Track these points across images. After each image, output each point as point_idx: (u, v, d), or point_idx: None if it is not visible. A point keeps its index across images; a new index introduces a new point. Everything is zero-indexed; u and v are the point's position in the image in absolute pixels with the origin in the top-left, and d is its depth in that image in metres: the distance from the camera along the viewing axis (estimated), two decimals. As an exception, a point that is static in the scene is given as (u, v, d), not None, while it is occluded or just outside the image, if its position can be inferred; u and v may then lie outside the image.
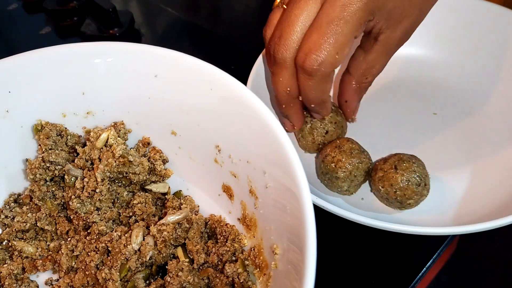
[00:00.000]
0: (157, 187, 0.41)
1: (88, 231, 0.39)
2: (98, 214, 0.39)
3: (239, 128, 0.36)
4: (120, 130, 0.42)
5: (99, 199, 0.38)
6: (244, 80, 0.41)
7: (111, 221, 0.40)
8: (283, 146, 0.32)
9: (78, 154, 0.40)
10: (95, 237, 0.38)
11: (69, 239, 0.40)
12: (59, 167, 0.40)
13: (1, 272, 0.38)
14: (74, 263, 0.38)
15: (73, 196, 0.38)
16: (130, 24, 0.65)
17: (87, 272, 0.37)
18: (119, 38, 0.63)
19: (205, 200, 0.42)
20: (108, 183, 0.39)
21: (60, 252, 0.39)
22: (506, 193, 0.43)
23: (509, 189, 0.43)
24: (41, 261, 0.39)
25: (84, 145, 0.41)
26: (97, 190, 0.38)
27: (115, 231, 0.38)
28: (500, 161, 0.46)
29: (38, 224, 0.40)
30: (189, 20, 0.69)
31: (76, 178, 0.39)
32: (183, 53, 0.38)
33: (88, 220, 0.39)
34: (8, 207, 0.41)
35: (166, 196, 0.42)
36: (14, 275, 0.38)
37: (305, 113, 0.46)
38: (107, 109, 0.42)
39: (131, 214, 0.40)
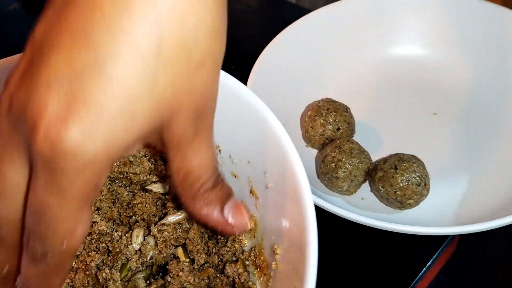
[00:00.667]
0: (157, 187, 0.41)
1: (89, 231, 0.39)
2: (99, 214, 0.39)
3: (239, 128, 0.36)
4: (120, 130, 0.41)
5: (99, 199, 0.38)
6: (244, 80, 0.41)
7: (112, 221, 0.40)
8: (284, 146, 0.31)
9: (78, 154, 0.40)
10: (96, 237, 0.38)
11: (69, 239, 0.40)
12: (60, 167, 0.40)
13: (1, 272, 0.38)
14: (74, 263, 0.38)
15: (73, 196, 0.38)
16: (130, 24, 0.65)
17: (87, 272, 0.37)
18: (119, 38, 0.63)
19: (205, 200, 0.42)
20: (109, 183, 0.39)
21: (60, 252, 0.39)
22: (506, 193, 0.43)
23: (509, 189, 0.43)
24: (41, 261, 0.39)
25: (85, 145, 0.41)
26: (98, 190, 0.38)
27: (116, 231, 0.38)
28: (500, 161, 0.46)
29: (38, 224, 0.40)
30: (189, 20, 0.69)
31: (77, 178, 0.39)
32: (183, 53, 0.38)
33: (88, 220, 0.39)
34: (8, 207, 0.41)
35: (167, 196, 0.42)
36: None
37: (319, 104, 0.45)
38: (107, 109, 0.42)
39: (131, 214, 0.40)
